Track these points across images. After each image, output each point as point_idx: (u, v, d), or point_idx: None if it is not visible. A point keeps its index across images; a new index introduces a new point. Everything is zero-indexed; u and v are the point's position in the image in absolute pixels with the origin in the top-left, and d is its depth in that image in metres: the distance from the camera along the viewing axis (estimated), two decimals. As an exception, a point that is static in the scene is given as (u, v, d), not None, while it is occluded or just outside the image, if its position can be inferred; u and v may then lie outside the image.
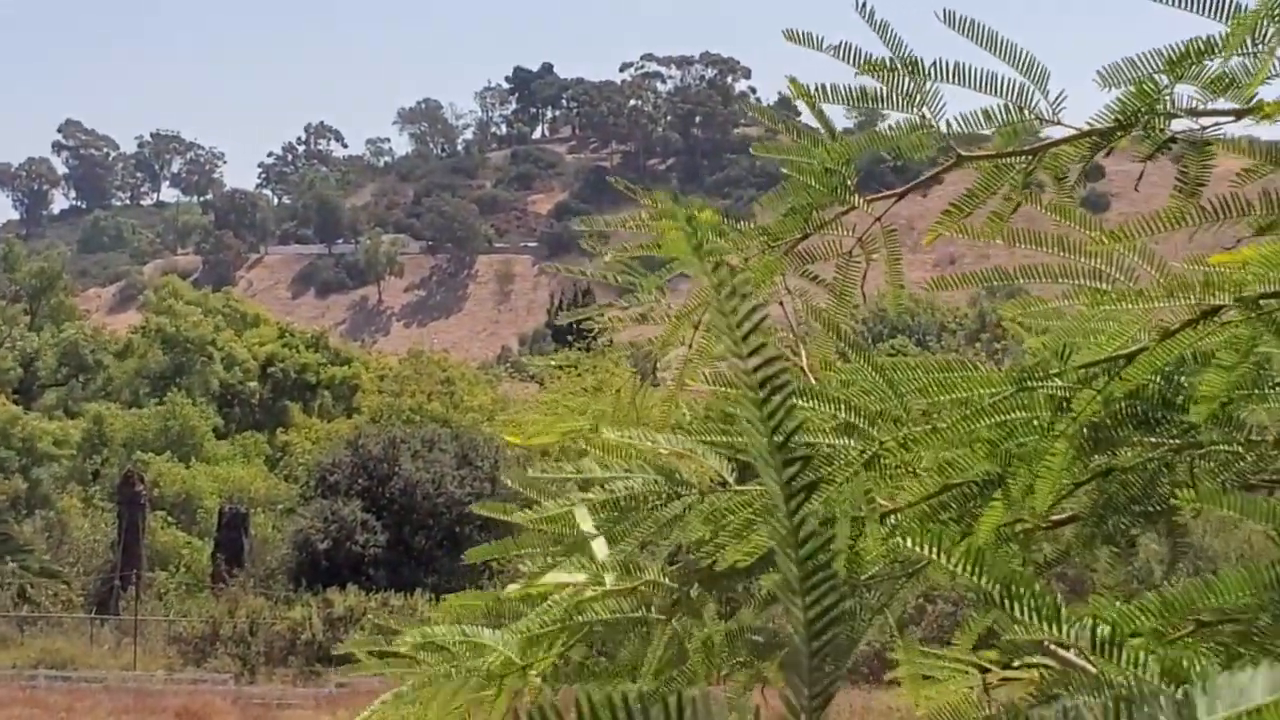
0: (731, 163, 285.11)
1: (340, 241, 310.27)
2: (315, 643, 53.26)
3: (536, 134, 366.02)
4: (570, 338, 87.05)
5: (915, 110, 3.58)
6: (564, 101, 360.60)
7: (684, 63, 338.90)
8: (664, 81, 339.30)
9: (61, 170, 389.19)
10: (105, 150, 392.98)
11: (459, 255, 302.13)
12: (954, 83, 3.52)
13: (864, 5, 3.41)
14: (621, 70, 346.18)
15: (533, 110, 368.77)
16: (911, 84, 3.53)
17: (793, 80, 3.65)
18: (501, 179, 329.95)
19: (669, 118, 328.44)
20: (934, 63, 3.50)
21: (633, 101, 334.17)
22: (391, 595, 53.89)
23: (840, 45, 3.53)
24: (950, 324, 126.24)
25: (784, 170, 3.72)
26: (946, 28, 3.47)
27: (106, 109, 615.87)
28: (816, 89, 3.61)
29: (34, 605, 58.48)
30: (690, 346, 4.10)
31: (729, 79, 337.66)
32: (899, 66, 3.52)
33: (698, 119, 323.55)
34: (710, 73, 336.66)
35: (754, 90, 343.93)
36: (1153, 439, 3.53)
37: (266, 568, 62.17)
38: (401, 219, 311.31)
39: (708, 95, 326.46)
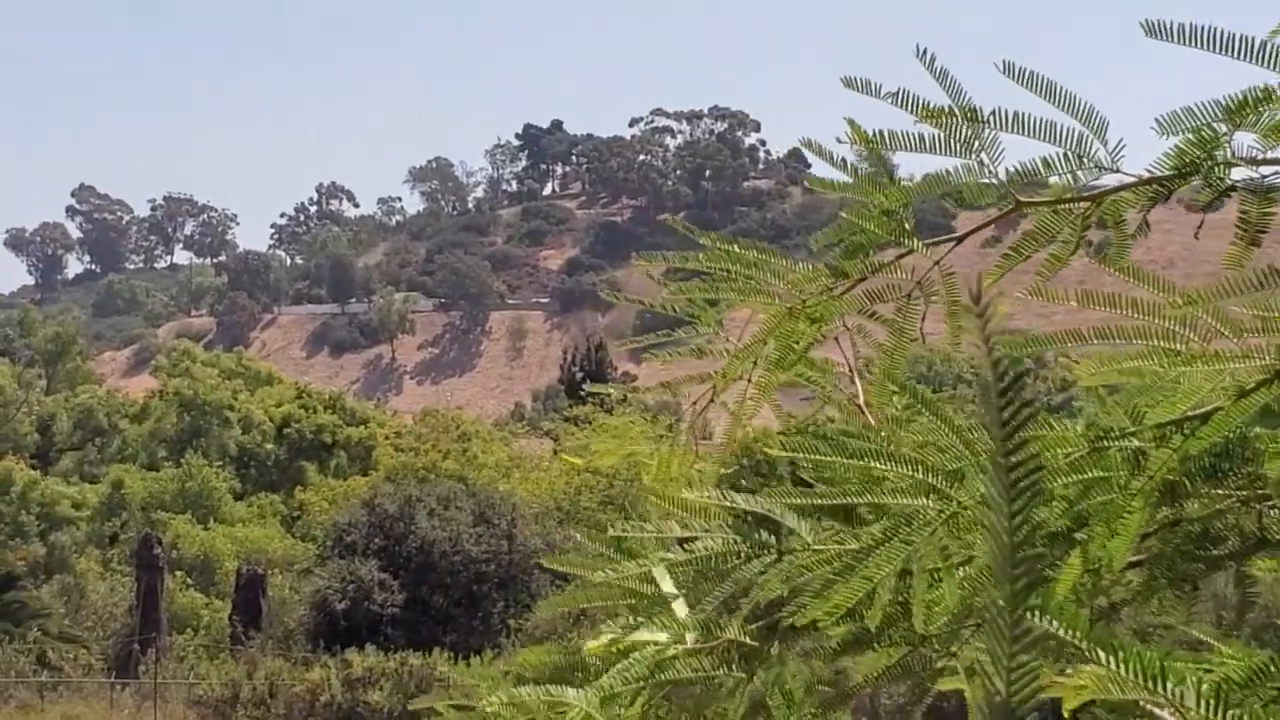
0: (743, 215, 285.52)
1: (353, 301, 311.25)
2: (335, 704, 53.07)
3: (547, 190, 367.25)
4: (584, 393, 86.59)
5: (974, 156, 3.57)
6: (574, 157, 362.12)
7: (693, 117, 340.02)
8: (674, 136, 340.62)
9: (75, 234, 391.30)
10: (119, 214, 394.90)
11: (472, 312, 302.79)
12: (1013, 131, 3.52)
13: (925, 52, 3.40)
14: (631, 125, 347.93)
15: (543, 167, 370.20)
16: (970, 131, 3.53)
17: (851, 123, 3.64)
18: (513, 235, 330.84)
19: (679, 172, 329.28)
20: (993, 111, 3.50)
21: (642, 156, 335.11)
22: (410, 654, 53.67)
23: (898, 92, 3.53)
24: (966, 374, 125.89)
25: (843, 212, 3.73)
26: (1005, 78, 3.47)
27: (119, 173, 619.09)
28: (875, 134, 3.61)
29: (54, 670, 58.33)
30: (749, 382, 4.12)
31: (738, 132, 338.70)
32: (957, 113, 3.51)
33: (708, 172, 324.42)
34: (720, 126, 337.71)
35: (764, 143, 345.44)
36: (1221, 490, 3.50)
37: (284, 629, 61.99)
38: (414, 277, 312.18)
39: (717, 149, 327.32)
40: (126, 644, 61.79)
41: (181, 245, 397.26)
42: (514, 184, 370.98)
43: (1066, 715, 4.09)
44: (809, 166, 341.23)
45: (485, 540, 61.03)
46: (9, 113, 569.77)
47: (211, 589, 77.39)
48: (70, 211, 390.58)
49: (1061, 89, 3.45)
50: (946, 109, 3.51)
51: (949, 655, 3.47)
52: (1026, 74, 3.46)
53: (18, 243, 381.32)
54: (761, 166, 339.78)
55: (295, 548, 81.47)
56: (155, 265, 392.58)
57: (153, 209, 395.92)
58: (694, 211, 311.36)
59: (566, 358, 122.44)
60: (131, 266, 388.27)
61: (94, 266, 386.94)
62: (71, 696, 55.90)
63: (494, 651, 53.24)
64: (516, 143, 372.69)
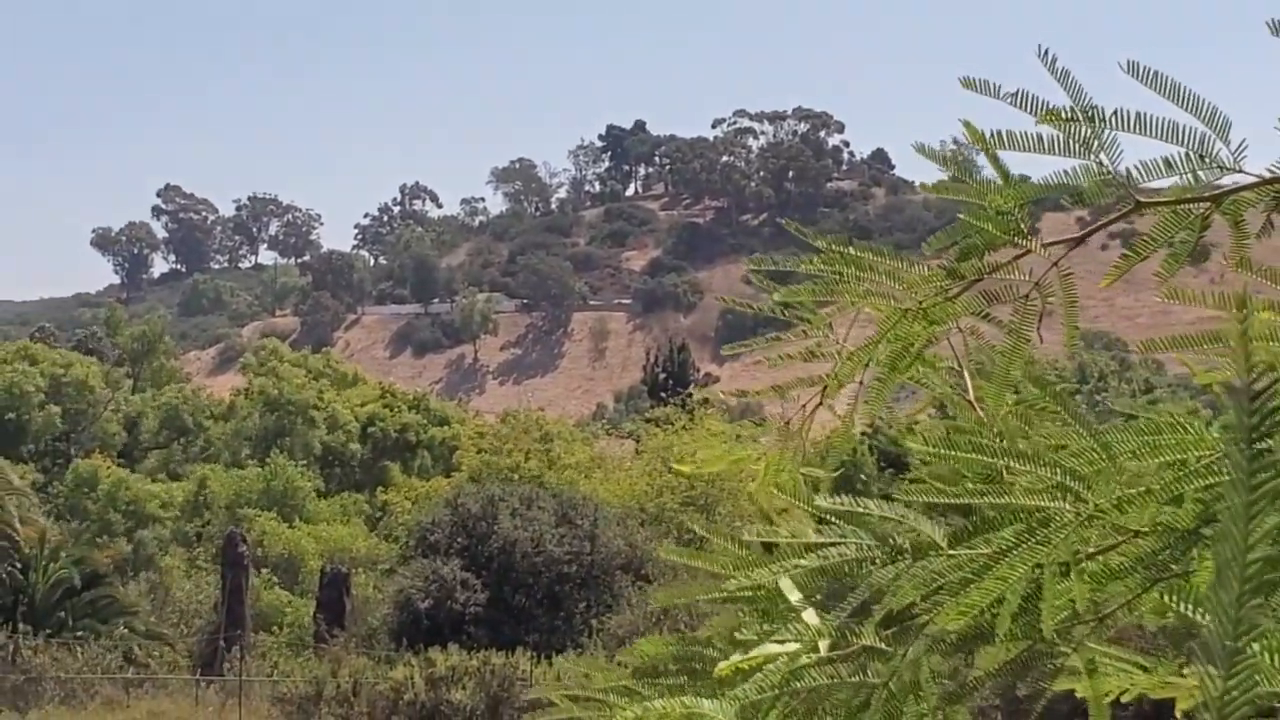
0: (825, 216, 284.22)
1: (436, 301, 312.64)
2: (418, 702, 53.23)
3: (630, 191, 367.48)
4: (665, 394, 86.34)
5: (1093, 157, 3.54)
6: (656, 158, 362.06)
7: (776, 118, 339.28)
8: (756, 137, 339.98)
9: (161, 234, 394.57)
10: (204, 214, 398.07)
11: (554, 313, 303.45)
12: (1134, 131, 3.48)
13: (1046, 52, 3.37)
14: (714, 126, 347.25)
15: (626, 168, 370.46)
16: (1089, 131, 3.49)
17: (968, 124, 3.61)
18: (595, 236, 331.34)
19: (762, 173, 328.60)
20: (1114, 111, 3.46)
21: (725, 157, 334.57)
22: (493, 654, 53.80)
23: (1017, 93, 3.50)
24: (1048, 375, 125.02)
25: (961, 214, 3.71)
26: (1130, 77, 3.43)
27: (205, 173, 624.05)
28: (991, 135, 3.58)
29: (140, 667, 58.86)
30: (861, 384, 4.12)
31: (821, 133, 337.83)
32: (1077, 114, 3.48)
33: (791, 174, 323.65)
34: (803, 127, 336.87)
35: (847, 144, 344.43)
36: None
37: (368, 627, 62.25)
38: (496, 278, 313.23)
39: (800, 150, 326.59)
40: (211, 641, 62.27)
41: (266, 245, 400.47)
42: (597, 185, 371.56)
43: (1179, 716, 4.05)
44: (893, 168, 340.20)
45: (567, 541, 61.08)
46: (96, 113, 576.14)
47: (296, 587, 77.91)
48: (156, 211, 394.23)
49: (1186, 89, 3.41)
50: (1068, 110, 3.48)
51: (1064, 653, 3.44)
52: (1151, 74, 3.43)
53: (104, 242, 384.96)
54: (845, 168, 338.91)
55: (379, 547, 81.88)
56: (240, 265, 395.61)
57: (237, 209, 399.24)
58: (776, 213, 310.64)
59: (649, 359, 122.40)
60: (216, 266, 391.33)
61: (179, 266, 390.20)
62: (157, 693, 56.40)
63: (576, 651, 53.32)
64: (599, 144, 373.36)
